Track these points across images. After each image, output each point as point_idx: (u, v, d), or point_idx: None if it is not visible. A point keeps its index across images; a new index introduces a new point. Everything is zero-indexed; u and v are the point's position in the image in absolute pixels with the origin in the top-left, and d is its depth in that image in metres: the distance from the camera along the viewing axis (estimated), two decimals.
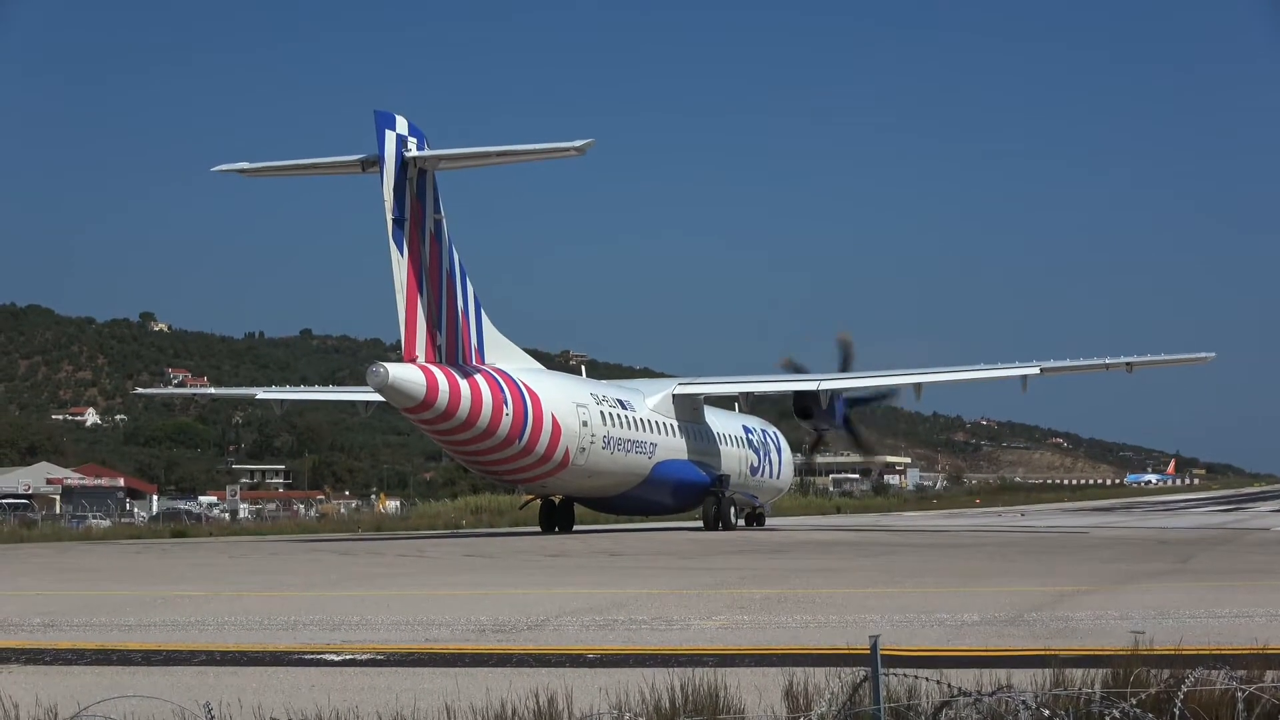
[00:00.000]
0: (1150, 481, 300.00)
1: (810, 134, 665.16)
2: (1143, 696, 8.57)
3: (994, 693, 8.38)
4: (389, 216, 48.30)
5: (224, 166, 52.68)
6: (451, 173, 51.69)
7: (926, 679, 9.10)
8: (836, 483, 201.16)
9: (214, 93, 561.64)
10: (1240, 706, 8.28)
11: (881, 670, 8.52)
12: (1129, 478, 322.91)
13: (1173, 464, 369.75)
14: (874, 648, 8.49)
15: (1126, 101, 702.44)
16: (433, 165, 49.72)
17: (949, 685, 8.45)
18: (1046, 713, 8.28)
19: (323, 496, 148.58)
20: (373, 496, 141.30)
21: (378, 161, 48.48)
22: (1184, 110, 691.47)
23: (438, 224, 50.02)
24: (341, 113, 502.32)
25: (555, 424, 53.85)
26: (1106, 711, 8.26)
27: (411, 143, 48.86)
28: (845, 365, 67.66)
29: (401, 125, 48.74)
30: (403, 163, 48.47)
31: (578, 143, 49.07)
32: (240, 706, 10.25)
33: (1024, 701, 8.52)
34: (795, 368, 67.61)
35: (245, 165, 52.28)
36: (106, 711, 8.93)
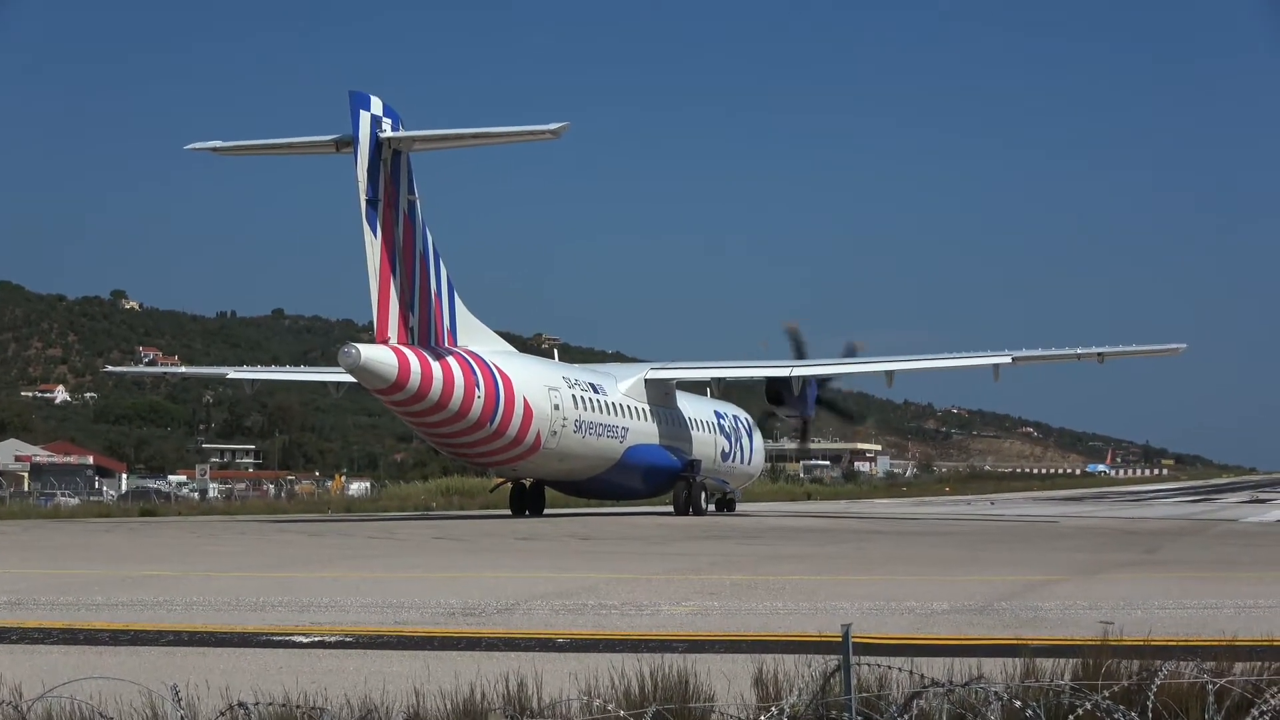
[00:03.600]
0: (1104, 471, 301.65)
1: (789, 123, 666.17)
2: (1115, 689, 8.57)
3: (966, 684, 8.37)
4: (363, 197, 48.13)
5: (197, 145, 52.52)
6: (426, 155, 51.59)
7: (898, 669, 9.09)
8: (807, 469, 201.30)
9: (187, 71, 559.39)
10: (1210, 699, 8.29)
11: (853, 659, 8.50)
12: (1090, 467, 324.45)
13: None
14: (845, 637, 8.47)
15: (1110, 95, 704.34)
16: (407, 146, 49.58)
17: (920, 675, 8.44)
18: (1018, 704, 8.27)
19: (294, 477, 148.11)
20: (330, 481, 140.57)
21: (352, 142, 48.33)
22: (1159, 104, 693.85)
23: (411, 205, 49.92)
24: (317, 93, 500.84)
25: (527, 407, 53.78)
26: (1079, 704, 8.25)
27: (386, 124, 48.72)
28: (800, 354, 67.20)
29: (376, 106, 48.57)
30: (377, 143, 48.32)
31: (553, 126, 49.00)
32: (208, 688, 10.19)
33: (995, 693, 8.51)
34: (796, 336, 67.14)
35: (218, 144, 52.12)
36: (73, 693, 8.87)
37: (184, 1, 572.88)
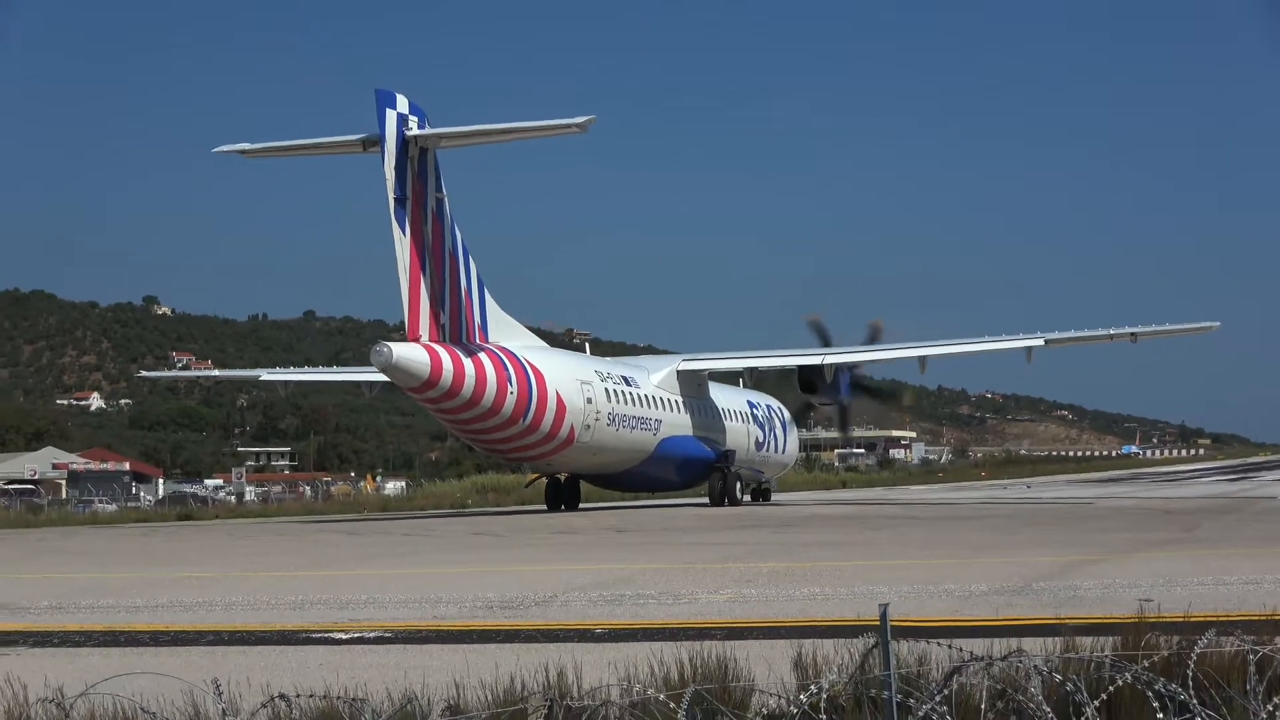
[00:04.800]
0: (1137, 453, 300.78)
1: (814, 116, 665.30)
2: (1154, 659, 8.54)
3: (1005, 657, 8.34)
4: (391, 196, 48.20)
5: (225, 147, 52.62)
6: (453, 152, 51.62)
7: (937, 645, 9.07)
8: (842, 458, 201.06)
9: (215, 74, 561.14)
10: (1252, 670, 8.25)
11: (890, 639, 8.48)
12: (1124, 449, 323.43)
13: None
14: (883, 616, 8.46)
15: (1125, 79, 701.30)
16: (434, 144, 49.62)
17: (960, 649, 8.42)
18: (1058, 678, 8.25)
19: (329, 478, 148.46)
20: (363, 480, 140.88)
21: (379, 140, 48.39)
22: (1190, 84, 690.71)
23: (439, 203, 49.96)
24: (343, 94, 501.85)
25: (560, 401, 53.79)
26: (1118, 675, 8.22)
27: (413, 121, 48.75)
28: (825, 344, 66.91)
29: (402, 104, 48.62)
30: (404, 141, 48.35)
31: (579, 119, 48.91)
32: (249, 685, 10.23)
33: (1035, 666, 8.49)
34: (820, 328, 67.08)
35: (246, 146, 52.22)
36: (115, 690, 8.91)
37: (211, 6, 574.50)
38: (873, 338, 67.55)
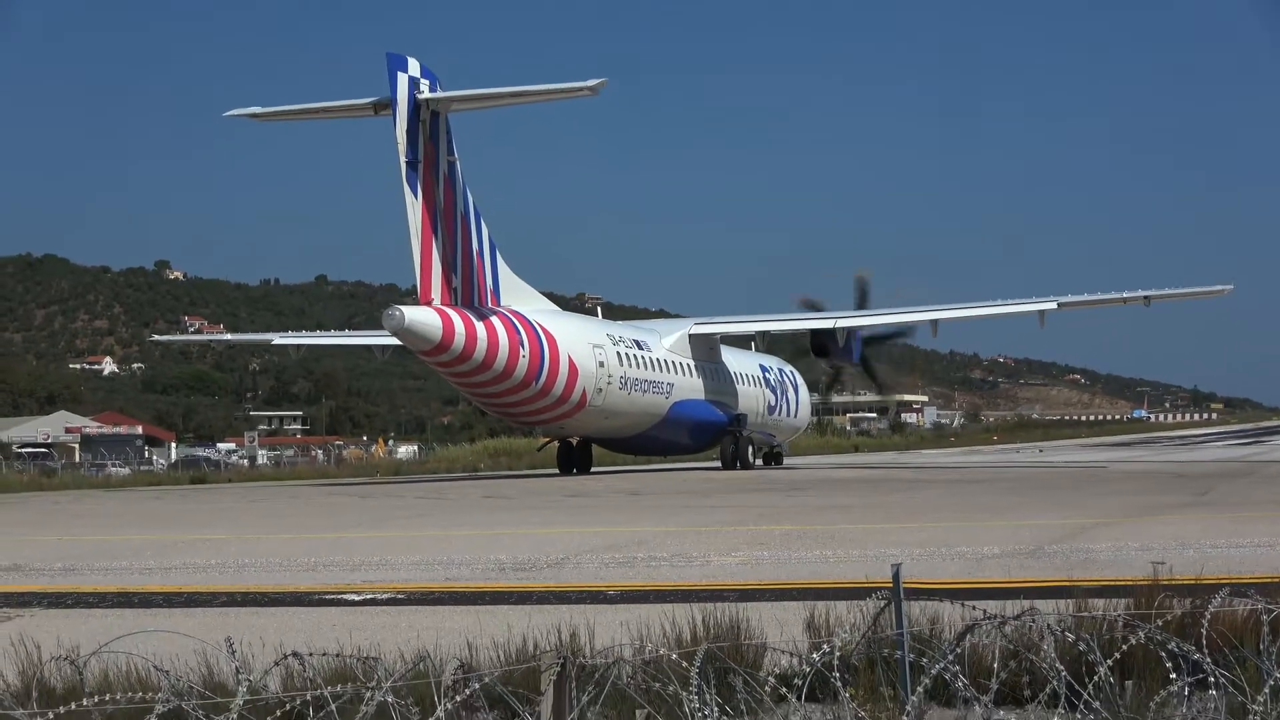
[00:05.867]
0: (1146, 418, 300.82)
1: (832, 84, 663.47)
2: (1168, 618, 8.53)
3: (1018, 616, 8.33)
4: (402, 159, 48.12)
5: (236, 111, 52.54)
6: (466, 115, 51.53)
7: (950, 604, 9.07)
8: (854, 422, 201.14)
9: (227, 38, 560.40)
10: (1265, 629, 8.23)
11: (903, 599, 8.48)
12: (1135, 413, 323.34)
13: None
14: (896, 576, 8.45)
15: (1142, 40, 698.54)
16: (445, 107, 49.49)
17: (973, 607, 8.41)
18: (1071, 638, 8.23)
19: (341, 442, 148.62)
20: (375, 445, 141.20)
21: (390, 104, 48.25)
22: (1209, 47, 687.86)
23: (451, 166, 49.85)
24: (355, 58, 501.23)
25: (572, 365, 53.77)
26: (1131, 635, 8.21)
27: (424, 85, 48.62)
28: (862, 303, 67.57)
29: (414, 67, 48.49)
30: (415, 105, 48.22)
31: (591, 82, 48.75)
32: (263, 645, 10.26)
33: (1049, 625, 8.48)
34: (812, 305, 67.40)
35: (257, 110, 52.15)
36: (128, 649, 8.93)
37: None
38: (861, 291, 67.84)
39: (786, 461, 71.59)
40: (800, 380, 73.96)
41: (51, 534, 27.45)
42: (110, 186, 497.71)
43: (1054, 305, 61.22)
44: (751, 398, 66.82)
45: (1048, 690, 8.23)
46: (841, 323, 64.46)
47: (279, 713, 7.79)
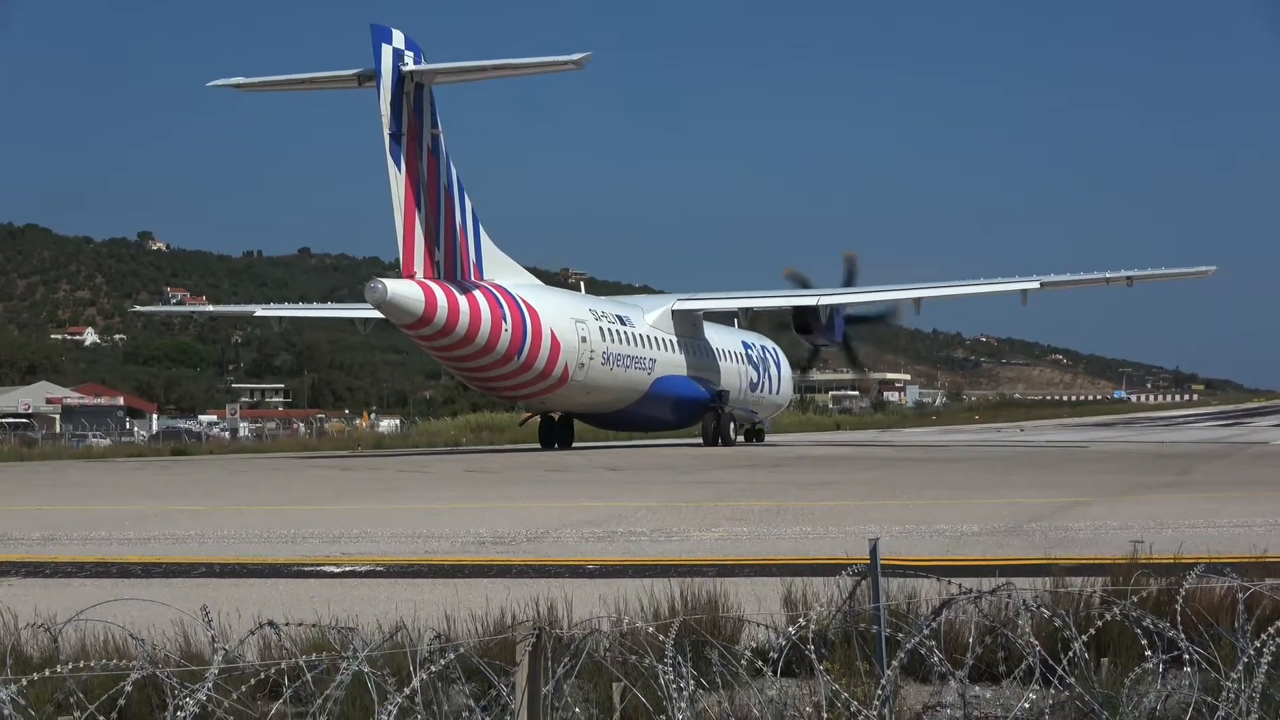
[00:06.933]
0: (1126, 398, 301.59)
1: (813, 55, 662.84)
2: (1143, 595, 8.55)
3: (994, 591, 8.35)
4: (386, 132, 47.99)
5: (219, 81, 52.33)
6: (450, 88, 51.38)
7: (927, 579, 9.09)
8: (836, 400, 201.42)
9: (210, 9, 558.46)
10: (1240, 608, 8.25)
11: (881, 577, 8.49)
12: (1115, 394, 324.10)
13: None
14: (873, 551, 8.46)
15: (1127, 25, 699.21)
16: (429, 79, 49.34)
17: (950, 581, 8.43)
18: (1047, 614, 8.25)
19: (323, 415, 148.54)
20: (359, 418, 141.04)
21: (374, 76, 48.08)
22: (1192, 29, 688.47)
23: (435, 139, 49.71)
24: (339, 29, 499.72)
25: (554, 340, 53.76)
26: (1106, 611, 8.23)
27: (408, 57, 48.46)
28: (849, 283, 67.49)
29: (398, 39, 48.31)
30: (400, 77, 48.07)
31: (575, 56, 48.67)
32: (239, 615, 10.23)
33: (1025, 602, 8.50)
34: (800, 280, 67.32)
35: (241, 80, 51.93)
36: (105, 617, 8.92)
37: None
38: (849, 270, 67.81)
39: (768, 439, 71.67)
40: (783, 357, 73.99)
41: (31, 504, 27.41)
42: (93, 157, 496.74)
43: (1037, 285, 61.30)
44: (734, 374, 66.85)
45: (1023, 666, 8.25)
46: (825, 300, 64.50)
47: (254, 681, 7.79)
